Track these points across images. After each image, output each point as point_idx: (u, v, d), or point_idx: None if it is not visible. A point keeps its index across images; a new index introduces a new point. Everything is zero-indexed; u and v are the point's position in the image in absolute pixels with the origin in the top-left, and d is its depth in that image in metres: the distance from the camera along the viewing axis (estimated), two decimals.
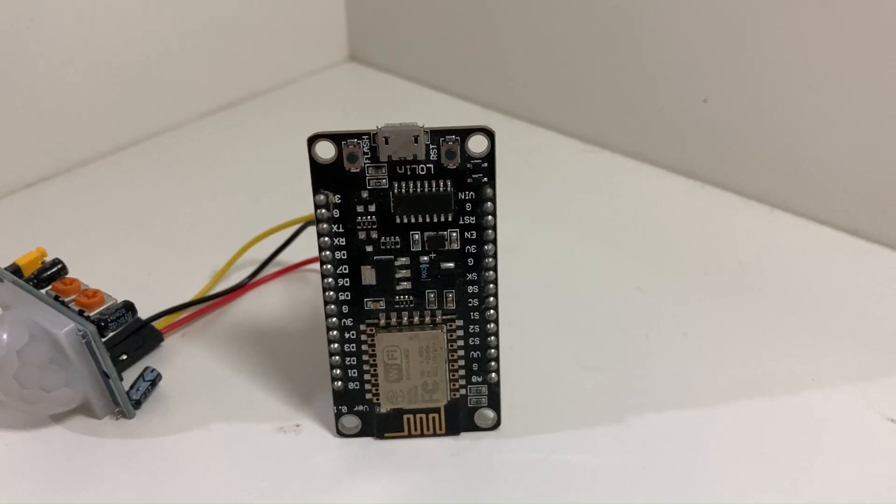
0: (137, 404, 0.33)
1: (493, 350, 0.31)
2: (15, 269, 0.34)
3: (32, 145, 0.49)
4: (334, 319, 0.30)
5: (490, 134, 0.28)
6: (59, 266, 0.34)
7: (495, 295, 0.30)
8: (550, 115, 0.52)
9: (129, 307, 0.32)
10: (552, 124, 0.52)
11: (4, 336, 0.31)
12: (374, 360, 0.31)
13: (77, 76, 0.49)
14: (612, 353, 0.36)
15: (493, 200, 0.29)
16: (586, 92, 0.51)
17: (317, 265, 0.41)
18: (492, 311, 0.30)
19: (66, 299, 0.32)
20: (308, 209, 0.40)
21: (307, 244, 0.40)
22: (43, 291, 0.33)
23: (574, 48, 0.50)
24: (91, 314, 0.32)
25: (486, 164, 0.28)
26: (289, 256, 0.41)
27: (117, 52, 0.51)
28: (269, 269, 0.41)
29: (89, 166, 0.51)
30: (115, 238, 0.44)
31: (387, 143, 0.28)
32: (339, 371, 0.31)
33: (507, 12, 0.53)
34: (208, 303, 0.38)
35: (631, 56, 0.48)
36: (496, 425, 0.32)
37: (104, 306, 0.32)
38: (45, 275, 0.33)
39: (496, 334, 0.31)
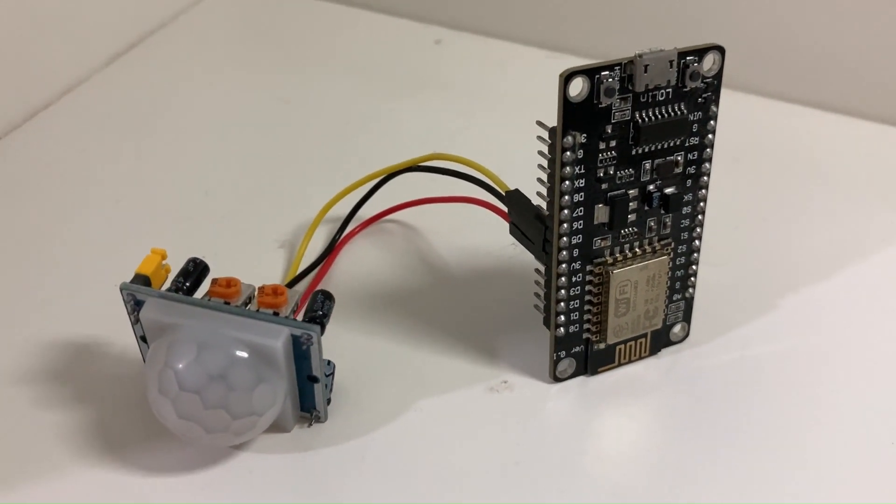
0: (328, 403, 0.29)
1: (694, 266, 0.31)
2: (145, 281, 0.27)
3: None
4: (564, 266, 0.29)
5: (722, 51, 0.28)
6: (203, 266, 0.28)
7: (704, 212, 0.30)
8: (503, 24, 0.51)
9: (327, 295, 0.27)
10: (505, 34, 0.51)
11: (181, 365, 0.25)
12: (598, 299, 0.30)
13: None
14: (720, 248, 0.37)
15: (716, 118, 0.29)
16: None
17: (393, 215, 0.38)
18: (699, 229, 0.31)
19: (237, 302, 0.27)
20: (371, 160, 0.37)
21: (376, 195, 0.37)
22: (202, 299, 0.27)
23: None
24: (286, 312, 0.27)
25: (715, 82, 0.28)
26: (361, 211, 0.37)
27: None
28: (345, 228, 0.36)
29: (7, 139, 0.41)
30: (129, 220, 0.37)
31: (646, 71, 0.26)
32: (563, 317, 0.30)
33: None
34: (314, 272, 0.33)
35: None
36: (686, 336, 0.33)
37: (293, 302, 0.27)
38: (189, 281, 0.27)
39: (699, 250, 0.31)
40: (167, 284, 0.28)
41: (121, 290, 0.27)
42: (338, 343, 0.32)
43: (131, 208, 0.38)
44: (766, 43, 0.47)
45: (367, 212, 0.37)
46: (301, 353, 0.27)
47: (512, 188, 0.32)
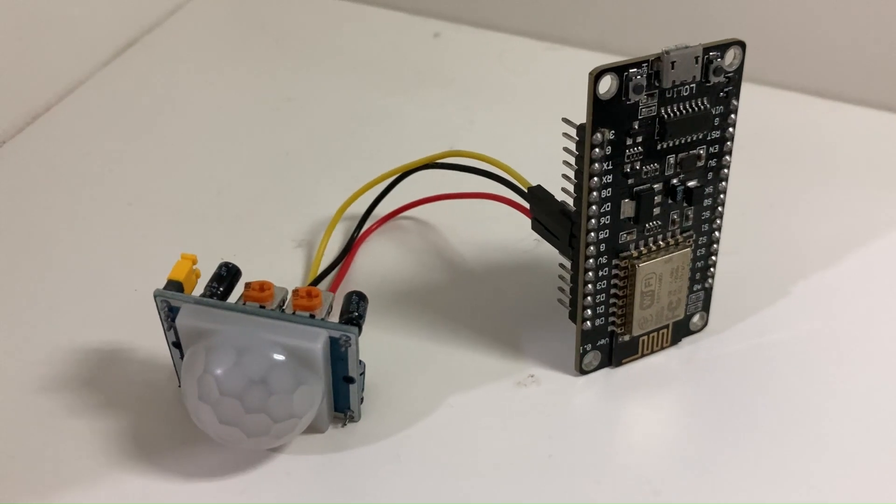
0: (361, 402, 0.29)
1: (714, 257, 0.32)
2: (178, 287, 0.27)
3: None
4: (591, 260, 0.29)
5: (743, 46, 0.28)
6: (235, 270, 0.28)
7: (724, 204, 0.31)
8: (501, 16, 0.51)
9: (361, 296, 0.27)
10: (503, 26, 0.51)
11: (220, 371, 0.25)
12: (624, 292, 0.30)
13: None
14: (729, 236, 0.38)
15: (737, 112, 0.29)
16: None
17: (408, 212, 0.38)
18: (719, 221, 0.31)
19: (271, 305, 0.27)
20: (379, 157, 0.37)
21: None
22: (237, 304, 0.27)
23: None
24: (321, 315, 0.27)
25: (736, 76, 0.29)
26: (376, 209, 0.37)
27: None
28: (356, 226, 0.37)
29: (9, 144, 0.40)
30: (143, 222, 0.37)
31: (673, 67, 0.27)
32: (590, 311, 0.30)
33: None
34: (335, 270, 0.33)
35: None
36: (705, 325, 0.33)
37: (327, 303, 0.27)
38: (223, 286, 0.27)
39: (718, 241, 0.32)
40: (199, 289, 0.28)
41: (155, 297, 0.27)
42: (363, 341, 0.32)
43: (144, 210, 0.38)
44: (768, 32, 0.47)
45: (381, 209, 0.37)
46: (338, 354, 0.27)
47: (527, 182, 0.32)
